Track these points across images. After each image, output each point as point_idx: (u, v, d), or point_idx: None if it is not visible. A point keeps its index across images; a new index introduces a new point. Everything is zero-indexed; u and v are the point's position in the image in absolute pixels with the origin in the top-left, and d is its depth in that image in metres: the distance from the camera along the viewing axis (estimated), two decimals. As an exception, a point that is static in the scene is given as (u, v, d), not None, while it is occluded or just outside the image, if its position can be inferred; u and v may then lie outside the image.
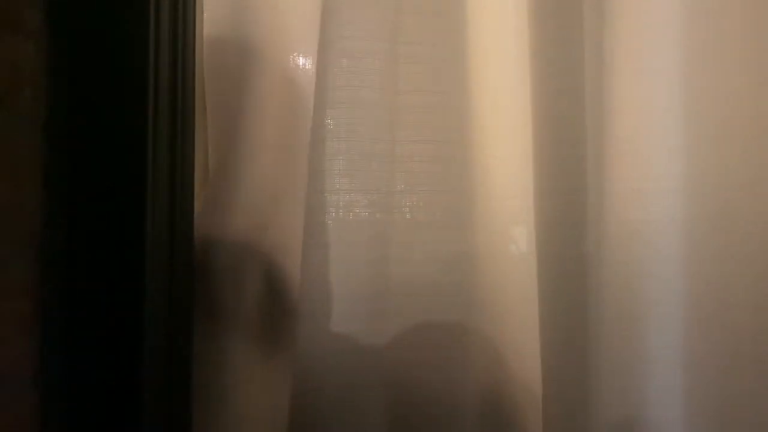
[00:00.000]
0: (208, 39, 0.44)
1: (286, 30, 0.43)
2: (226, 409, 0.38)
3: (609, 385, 0.41)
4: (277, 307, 0.41)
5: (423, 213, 0.41)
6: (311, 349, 0.38)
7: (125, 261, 0.36)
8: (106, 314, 0.35)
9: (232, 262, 0.42)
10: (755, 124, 0.41)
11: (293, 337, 0.39)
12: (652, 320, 0.42)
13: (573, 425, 0.41)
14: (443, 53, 0.41)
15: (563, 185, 0.40)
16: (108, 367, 0.35)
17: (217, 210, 0.41)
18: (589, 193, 0.40)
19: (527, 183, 0.41)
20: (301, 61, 0.45)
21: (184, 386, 0.40)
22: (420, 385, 0.40)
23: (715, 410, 0.41)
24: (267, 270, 0.42)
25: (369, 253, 0.40)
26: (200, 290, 0.41)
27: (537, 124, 0.41)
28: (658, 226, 0.42)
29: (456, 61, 0.41)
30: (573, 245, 0.40)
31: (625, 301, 0.41)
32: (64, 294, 0.34)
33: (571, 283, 0.40)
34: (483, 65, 0.42)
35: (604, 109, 0.41)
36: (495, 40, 0.42)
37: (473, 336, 0.40)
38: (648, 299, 0.42)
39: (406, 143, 0.41)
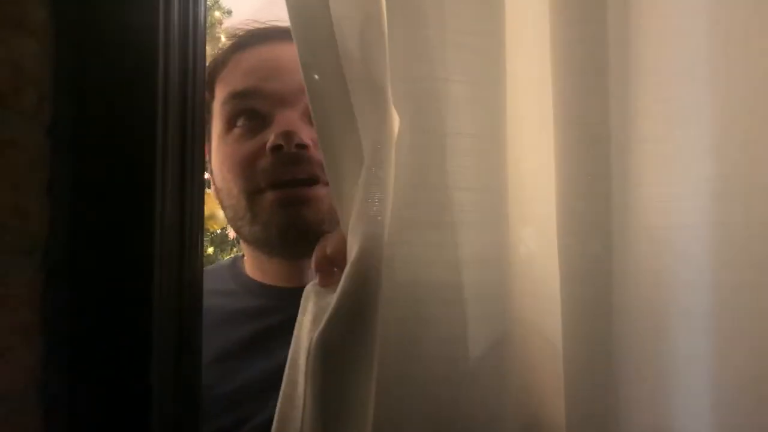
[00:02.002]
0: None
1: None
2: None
3: (635, 396, 0.40)
4: None
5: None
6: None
7: (132, 270, 0.35)
8: (112, 326, 0.34)
9: None
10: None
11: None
12: (681, 331, 0.40)
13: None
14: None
15: (586, 190, 0.38)
16: (114, 381, 0.34)
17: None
18: (613, 197, 0.38)
19: (550, 186, 0.40)
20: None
21: (194, 397, 0.39)
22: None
23: (743, 424, 0.40)
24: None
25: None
26: None
27: (559, 125, 0.39)
28: (686, 231, 0.40)
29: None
30: (597, 252, 0.38)
31: (652, 311, 0.40)
32: (68, 304, 0.33)
33: (595, 291, 0.38)
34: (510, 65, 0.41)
35: (629, 110, 0.40)
36: (517, 42, 0.40)
37: (508, 346, 0.39)
38: (676, 309, 0.40)
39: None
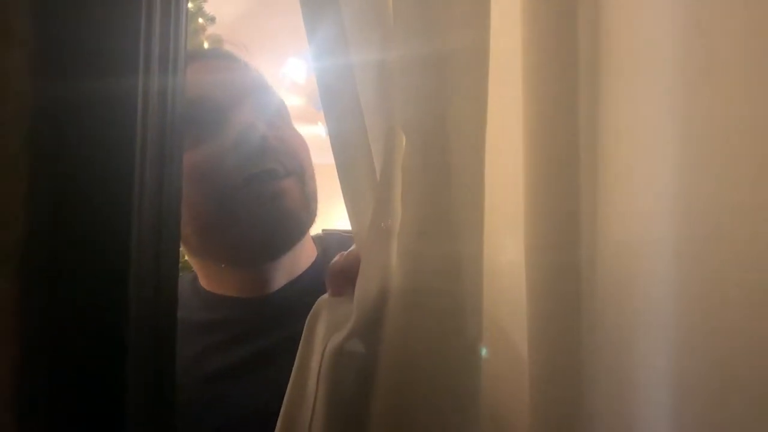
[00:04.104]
0: None
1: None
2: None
3: (600, 408, 0.41)
4: None
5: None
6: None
7: (111, 274, 0.36)
8: (89, 331, 0.34)
9: None
10: (752, 148, 0.41)
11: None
12: (645, 344, 0.41)
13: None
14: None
15: (556, 205, 0.40)
16: (90, 389, 0.34)
17: None
18: (581, 214, 0.40)
19: (518, 199, 0.41)
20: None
21: (169, 401, 0.39)
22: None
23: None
24: None
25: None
26: None
27: (529, 143, 0.41)
28: (652, 247, 0.42)
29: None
30: (565, 267, 0.40)
31: (617, 325, 0.41)
32: (46, 310, 0.34)
33: (563, 305, 0.40)
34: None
35: (598, 130, 0.41)
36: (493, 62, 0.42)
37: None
38: (641, 322, 0.41)
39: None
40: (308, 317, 0.43)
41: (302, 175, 0.64)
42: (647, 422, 0.41)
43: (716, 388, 0.41)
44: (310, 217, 0.65)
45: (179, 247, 0.42)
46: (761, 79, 0.42)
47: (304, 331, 0.43)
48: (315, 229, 0.71)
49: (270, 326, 0.63)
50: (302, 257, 0.68)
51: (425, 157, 0.38)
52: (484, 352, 0.39)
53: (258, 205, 0.60)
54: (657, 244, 0.42)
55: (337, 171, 0.43)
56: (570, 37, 0.41)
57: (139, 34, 0.38)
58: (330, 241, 0.73)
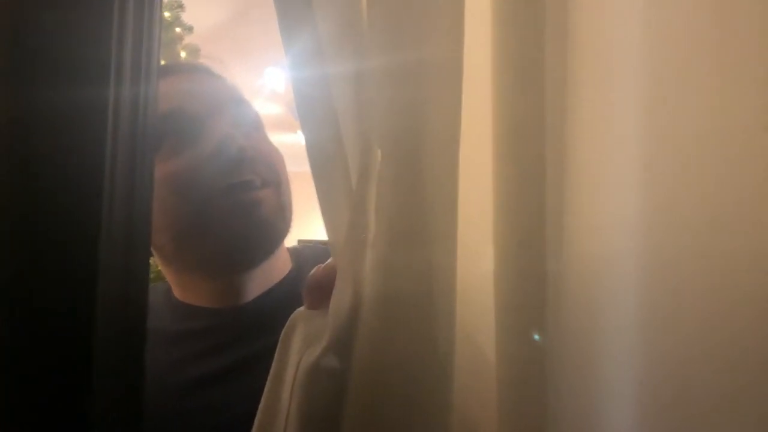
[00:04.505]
0: None
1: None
2: None
3: (566, 419, 0.41)
4: None
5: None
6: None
7: (79, 283, 0.36)
8: (56, 341, 0.34)
9: None
10: (717, 162, 0.42)
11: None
12: (611, 354, 0.42)
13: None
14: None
15: (523, 217, 0.41)
16: (57, 398, 0.34)
17: None
18: (547, 227, 0.40)
19: (489, 211, 0.42)
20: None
21: (137, 411, 0.39)
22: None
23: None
24: None
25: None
26: None
27: (498, 156, 0.41)
28: (617, 259, 0.43)
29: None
30: (532, 279, 0.40)
31: (584, 335, 0.42)
32: (11, 320, 0.34)
33: (529, 315, 0.40)
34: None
35: (565, 144, 0.42)
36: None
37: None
38: (607, 332, 0.42)
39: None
40: (284, 329, 0.43)
41: (278, 185, 0.65)
42: (613, 426, 0.42)
43: (679, 397, 0.42)
44: (285, 227, 0.66)
45: (149, 256, 0.42)
46: (727, 93, 0.43)
47: (279, 343, 0.43)
48: (292, 238, 0.71)
49: (243, 337, 0.63)
50: (277, 268, 0.68)
51: (400, 170, 0.39)
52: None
53: (235, 215, 0.61)
54: (622, 256, 0.43)
55: (314, 181, 0.43)
56: (538, 54, 0.42)
57: (111, 43, 0.38)
58: (305, 253, 0.73)
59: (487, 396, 0.41)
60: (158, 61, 0.41)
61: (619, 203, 0.43)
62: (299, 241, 0.93)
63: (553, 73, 0.42)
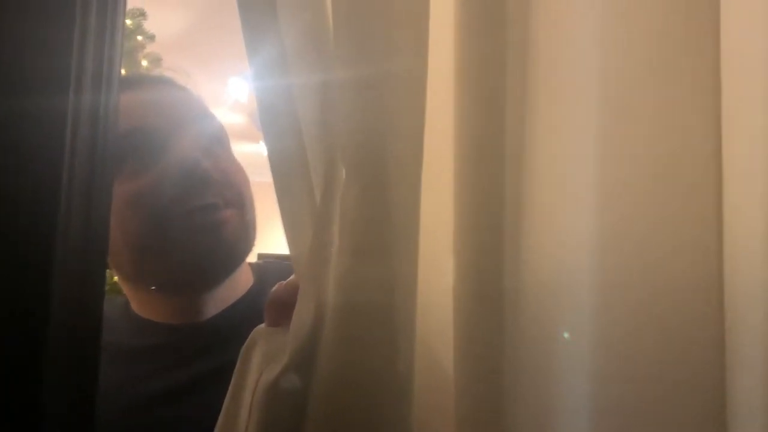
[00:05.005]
0: None
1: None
2: None
3: (521, 430, 0.42)
4: None
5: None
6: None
7: (33, 297, 0.35)
8: (6, 354, 0.33)
9: None
10: (667, 189, 0.44)
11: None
12: (565, 371, 0.43)
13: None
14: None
15: (482, 237, 0.41)
16: (7, 412, 0.33)
17: None
18: (505, 248, 0.41)
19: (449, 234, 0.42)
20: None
21: (89, 426, 0.38)
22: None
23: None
24: None
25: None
26: None
27: (458, 178, 0.42)
28: (572, 279, 0.44)
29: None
30: (490, 295, 0.41)
31: (540, 352, 0.42)
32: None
33: (487, 332, 0.41)
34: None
35: (524, 164, 0.43)
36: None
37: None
38: (562, 350, 0.43)
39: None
40: (243, 347, 0.43)
41: (242, 205, 0.64)
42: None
43: (631, 416, 0.43)
44: (248, 247, 0.66)
45: (106, 267, 0.41)
46: (678, 120, 0.45)
47: (238, 361, 0.42)
48: (252, 252, 0.71)
49: (202, 354, 0.62)
50: (238, 285, 0.68)
51: (364, 189, 0.39)
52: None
53: (197, 237, 0.60)
54: (578, 273, 0.44)
55: (276, 195, 0.43)
56: (499, 74, 0.43)
57: (71, 51, 0.37)
58: (268, 269, 0.73)
59: (446, 411, 0.41)
60: (120, 70, 0.41)
61: (574, 224, 0.44)
62: (260, 255, 0.92)
63: (514, 93, 0.43)
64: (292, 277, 0.43)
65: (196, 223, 0.60)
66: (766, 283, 0.47)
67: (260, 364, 0.40)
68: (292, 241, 0.42)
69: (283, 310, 0.41)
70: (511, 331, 0.41)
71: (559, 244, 0.44)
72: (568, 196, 0.44)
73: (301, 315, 0.38)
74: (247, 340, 0.43)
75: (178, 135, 0.62)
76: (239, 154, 0.71)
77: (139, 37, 1.74)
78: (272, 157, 0.44)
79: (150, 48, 1.82)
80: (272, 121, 0.45)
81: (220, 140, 0.67)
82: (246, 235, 0.65)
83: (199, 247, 0.61)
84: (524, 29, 0.44)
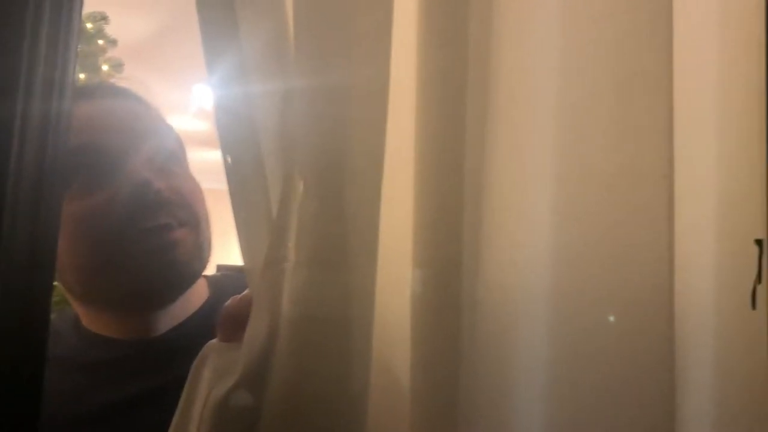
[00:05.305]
0: None
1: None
2: None
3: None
4: None
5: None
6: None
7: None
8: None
9: None
10: (620, 208, 0.45)
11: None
12: (522, 385, 0.43)
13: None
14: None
15: (439, 251, 0.41)
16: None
17: None
18: (464, 260, 0.41)
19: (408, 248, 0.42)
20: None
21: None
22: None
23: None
24: None
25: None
26: None
27: (418, 192, 0.42)
28: (529, 294, 0.44)
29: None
30: (448, 308, 0.41)
31: (496, 366, 0.43)
32: None
33: (443, 346, 0.41)
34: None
35: (483, 181, 0.43)
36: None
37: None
38: (518, 364, 0.44)
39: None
40: (194, 362, 0.42)
41: (197, 225, 0.63)
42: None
43: (585, 422, 0.43)
44: (201, 266, 0.65)
45: (53, 279, 0.39)
46: (631, 141, 0.46)
47: (189, 377, 0.42)
48: (210, 263, 0.70)
49: (153, 369, 0.61)
50: (192, 300, 0.66)
51: (322, 203, 0.39)
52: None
53: (148, 258, 0.59)
54: (534, 288, 0.44)
55: (232, 207, 0.43)
56: (461, 88, 0.43)
57: (21, 56, 0.36)
58: (224, 282, 0.71)
59: (402, 423, 0.41)
60: (74, 77, 0.40)
61: (532, 237, 0.45)
62: (218, 267, 0.90)
63: (474, 108, 0.43)
64: (246, 291, 0.42)
65: (147, 245, 0.59)
66: (715, 296, 0.49)
67: (210, 380, 0.39)
68: (247, 253, 0.42)
69: (236, 324, 0.40)
70: (468, 344, 0.41)
71: (516, 257, 0.44)
72: (525, 210, 0.45)
73: (255, 329, 0.38)
74: (198, 355, 0.42)
75: (132, 153, 0.61)
76: (203, 161, 0.70)
77: (100, 42, 1.70)
78: (229, 168, 0.43)
79: (112, 53, 1.78)
80: (230, 132, 0.45)
81: (176, 156, 0.66)
82: (200, 254, 0.63)
83: (150, 269, 0.59)
84: (486, 46, 0.45)
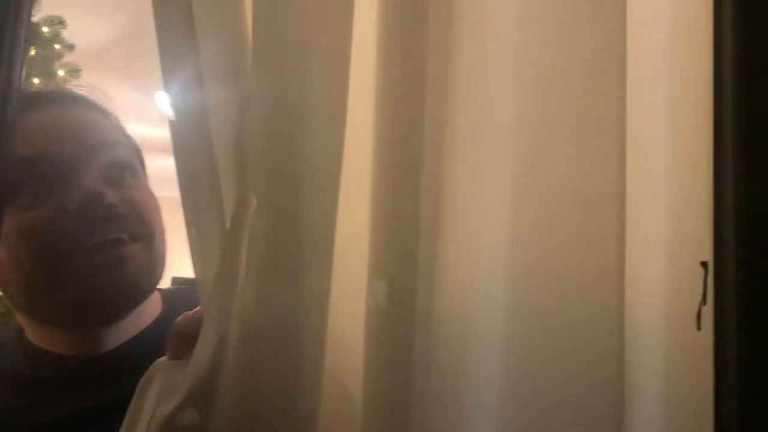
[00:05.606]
0: None
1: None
2: None
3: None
4: None
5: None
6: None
7: None
8: None
9: None
10: (573, 229, 0.45)
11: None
12: (474, 404, 0.44)
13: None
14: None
15: (395, 270, 0.41)
16: None
17: None
18: (419, 279, 0.41)
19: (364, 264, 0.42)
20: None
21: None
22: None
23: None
24: None
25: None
26: None
27: (375, 218, 0.42)
28: (484, 313, 0.45)
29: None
30: (401, 330, 0.41)
31: (449, 387, 0.42)
32: None
33: (396, 370, 0.41)
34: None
35: (440, 201, 0.43)
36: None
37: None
38: (472, 385, 0.44)
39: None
40: (141, 381, 0.41)
41: (150, 239, 0.61)
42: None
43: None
44: (154, 282, 0.63)
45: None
46: (584, 165, 0.47)
47: (134, 395, 0.40)
48: (166, 275, 0.68)
49: (99, 387, 0.59)
50: (144, 315, 0.64)
51: (274, 222, 0.38)
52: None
53: (96, 274, 0.57)
54: (488, 307, 0.45)
55: (185, 218, 0.42)
56: (418, 111, 0.43)
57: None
58: (179, 296, 0.69)
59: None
60: (20, 85, 0.38)
61: (488, 257, 0.45)
62: (173, 280, 0.88)
63: (432, 127, 0.44)
64: (198, 307, 0.41)
65: (95, 260, 0.57)
66: (664, 316, 0.50)
67: (156, 400, 0.38)
68: (199, 265, 0.41)
69: (186, 342, 0.39)
70: (421, 358, 0.41)
71: (471, 272, 0.44)
72: (482, 229, 0.45)
73: (204, 345, 0.37)
74: (145, 374, 0.41)
75: (84, 164, 0.59)
76: (163, 169, 0.68)
77: (57, 46, 1.66)
78: (182, 179, 0.42)
79: (69, 58, 1.74)
80: (185, 143, 0.44)
81: (133, 169, 0.64)
82: (152, 270, 0.62)
83: (97, 286, 0.57)
84: (444, 70, 0.45)
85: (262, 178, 0.39)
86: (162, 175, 0.80)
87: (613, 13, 0.45)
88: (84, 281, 0.57)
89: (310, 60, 0.42)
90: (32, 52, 1.57)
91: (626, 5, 0.46)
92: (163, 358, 0.42)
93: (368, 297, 0.42)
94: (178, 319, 0.42)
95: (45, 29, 1.59)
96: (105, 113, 0.66)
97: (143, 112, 3.34)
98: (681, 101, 0.51)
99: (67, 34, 1.71)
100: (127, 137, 0.66)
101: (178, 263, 0.70)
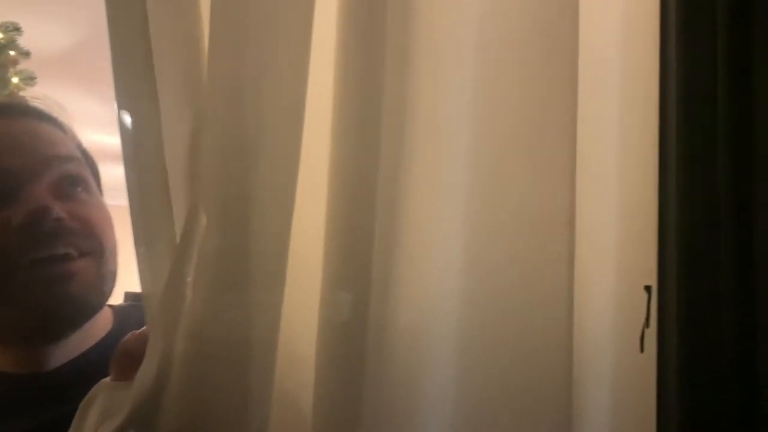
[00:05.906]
0: None
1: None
2: None
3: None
4: None
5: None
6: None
7: None
8: None
9: None
10: (524, 250, 0.46)
11: None
12: (427, 422, 0.44)
13: None
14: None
15: (350, 293, 0.41)
16: None
17: None
18: (372, 295, 0.41)
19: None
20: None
21: None
22: None
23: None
24: None
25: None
26: None
27: (329, 232, 0.42)
28: (437, 329, 0.45)
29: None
30: (352, 349, 0.41)
31: (402, 407, 0.43)
32: None
33: (347, 392, 0.40)
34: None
35: (395, 221, 0.44)
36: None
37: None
38: (425, 403, 0.44)
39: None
40: (82, 402, 0.39)
41: (100, 254, 0.59)
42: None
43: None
44: (102, 299, 0.61)
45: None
46: (537, 188, 0.48)
47: (76, 416, 0.39)
48: (119, 290, 0.66)
49: (41, 407, 0.56)
50: (92, 332, 0.62)
51: (224, 241, 0.38)
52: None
53: (40, 289, 0.55)
54: (441, 327, 0.45)
55: (133, 230, 0.41)
56: (375, 129, 0.43)
57: None
58: (131, 313, 0.67)
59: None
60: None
61: (442, 276, 0.46)
62: (126, 295, 0.86)
63: (388, 145, 0.44)
64: (144, 327, 0.41)
65: (39, 275, 0.55)
66: (610, 338, 0.51)
67: (96, 421, 0.37)
68: (146, 280, 0.40)
69: (132, 362, 0.38)
70: (373, 375, 0.41)
71: (424, 293, 0.45)
72: (436, 246, 0.46)
73: (147, 365, 0.36)
74: (88, 395, 0.39)
75: (32, 177, 0.57)
76: (121, 177, 0.66)
77: (12, 53, 1.61)
78: (132, 198, 0.41)
79: (25, 64, 1.69)
80: (137, 154, 0.43)
81: (85, 182, 0.62)
82: (101, 286, 0.60)
83: (41, 301, 0.55)
84: (401, 87, 0.46)
85: (212, 194, 0.39)
86: (119, 184, 0.78)
87: (564, 46, 0.47)
88: (26, 296, 0.55)
89: (266, 74, 0.42)
90: (-15, 60, 1.53)
91: (578, 38, 0.48)
92: (107, 379, 0.40)
93: (321, 311, 0.41)
94: (125, 338, 0.41)
95: (-1, 35, 1.54)
96: (59, 125, 0.64)
97: (100, 120, 3.27)
98: (630, 128, 0.53)
99: (23, 40, 1.67)
100: (83, 150, 0.65)
101: (133, 278, 0.69)
